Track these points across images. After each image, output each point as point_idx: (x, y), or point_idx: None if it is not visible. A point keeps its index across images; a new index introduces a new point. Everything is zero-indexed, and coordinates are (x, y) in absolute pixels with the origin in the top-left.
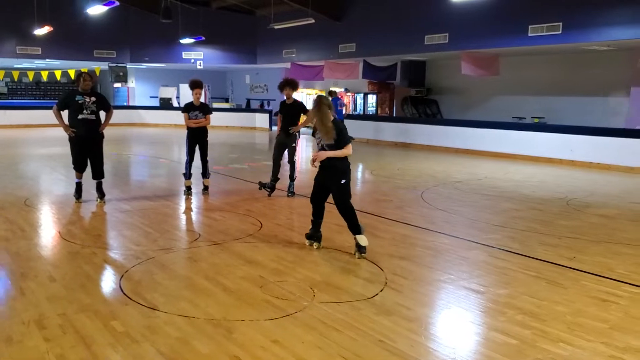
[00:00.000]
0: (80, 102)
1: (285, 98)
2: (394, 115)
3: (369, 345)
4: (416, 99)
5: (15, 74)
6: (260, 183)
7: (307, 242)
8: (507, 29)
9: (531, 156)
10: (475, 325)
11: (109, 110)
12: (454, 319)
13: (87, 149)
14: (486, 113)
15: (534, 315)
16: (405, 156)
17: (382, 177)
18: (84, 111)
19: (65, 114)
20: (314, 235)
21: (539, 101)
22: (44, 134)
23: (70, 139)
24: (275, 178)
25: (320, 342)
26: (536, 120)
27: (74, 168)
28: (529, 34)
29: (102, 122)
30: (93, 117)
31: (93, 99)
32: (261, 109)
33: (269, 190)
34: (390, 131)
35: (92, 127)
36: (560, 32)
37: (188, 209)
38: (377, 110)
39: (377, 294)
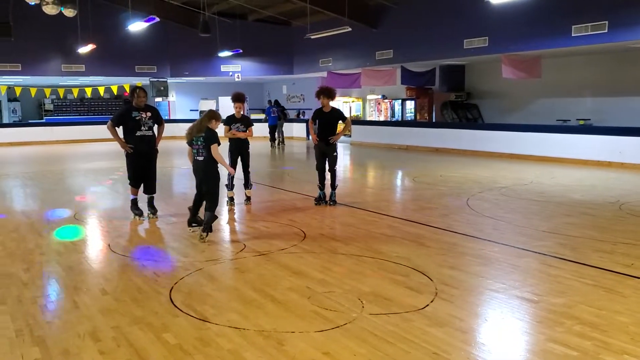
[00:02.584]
0: (137, 118)
1: (321, 106)
2: (434, 120)
3: (422, 358)
4: (456, 103)
5: (61, 91)
6: (315, 199)
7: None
8: (549, 30)
9: (578, 159)
10: (532, 336)
11: (161, 123)
12: (509, 329)
13: (144, 165)
14: (529, 116)
15: (594, 326)
16: (447, 162)
17: (425, 184)
18: (142, 128)
19: (120, 130)
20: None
21: (584, 103)
22: (89, 149)
23: (128, 155)
24: (321, 186)
25: (372, 354)
26: (582, 123)
27: (131, 184)
28: (573, 34)
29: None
30: (150, 133)
31: (149, 114)
32: (298, 119)
33: (322, 202)
34: (431, 137)
35: (149, 143)
36: (606, 30)
37: (232, 220)
38: (416, 116)
39: (428, 305)
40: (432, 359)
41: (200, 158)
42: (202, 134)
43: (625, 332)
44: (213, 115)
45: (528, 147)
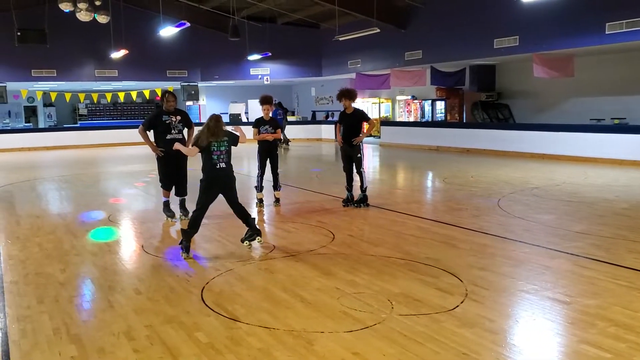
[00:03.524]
0: (167, 122)
1: (344, 108)
2: (464, 121)
3: (452, 359)
4: (487, 103)
5: (95, 96)
6: (343, 201)
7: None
8: (582, 28)
9: (613, 159)
10: (564, 337)
11: (191, 127)
12: (540, 331)
13: (175, 167)
14: (561, 116)
15: (629, 328)
16: (478, 163)
17: (456, 185)
18: (172, 131)
19: (150, 134)
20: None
21: (618, 101)
22: (122, 152)
23: (159, 159)
24: (349, 188)
25: (401, 355)
26: (616, 122)
27: (162, 187)
28: (607, 32)
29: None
30: (180, 136)
31: (178, 117)
32: (326, 121)
33: (350, 203)
34: (461, 137)
35: None
36: None
37: (261, 221)
38: (446, 116)
39: (457, 306)
40: None
41: (224, 165)
42: (225, 138)
43: None
44: (219, 117)
45: (561, 147)
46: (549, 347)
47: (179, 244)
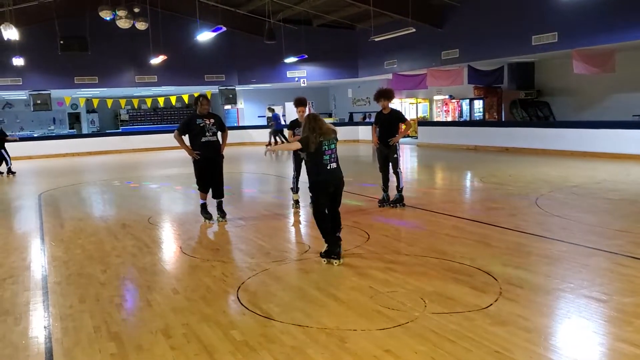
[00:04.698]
0: (201, 125)
1: (381, 109)
2: (503, 119)
3: (484, 357)
4: (526, 101)
5: (135, 102)
6: (379, 201)
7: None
8: (622, 22)
9: None
10: (599, 335)
11: (224, 131)
12: (575, 329)
13: (211, 170)
14: (603, 113)
15: None
16: (517, 162)
17: (493, 184)
18: (207, 134)
19: (186, 138)
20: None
21: None
22: (162, 156)
23: (195, 162)
24: (385, 188)
25: (433, 352)
26: None
27: (199, 189)
28: None
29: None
30: (214, 138)
31: (212, 120)
32: (363, 122)
33: (385, 203)
34: (500, 136)
35: (215, 149)
36: None
37: (297, 222)
38: (484, 115)
39: (491, 304)
40: (494, 358)
41: (335, 165)
42: (334, 135)
43: None
44: (316, 115)
45: (602, 144)
46: (584, 345)
47: (323, 254)
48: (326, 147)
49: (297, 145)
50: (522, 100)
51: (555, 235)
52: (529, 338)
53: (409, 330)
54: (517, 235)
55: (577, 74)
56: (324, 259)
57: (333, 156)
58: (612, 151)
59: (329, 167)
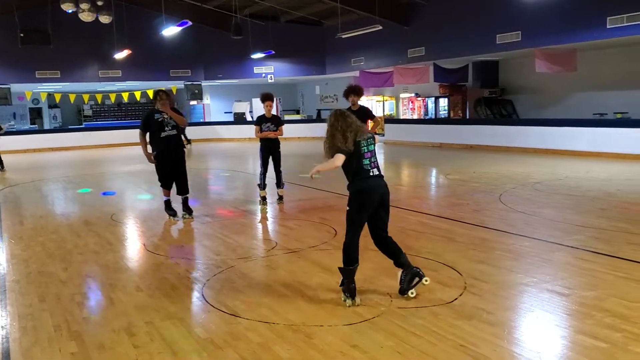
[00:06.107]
0: (159, 120)
1: (350, 105)
2: (468, 117)
3: (449, 350)
4: (490, 99)
5: (99, 97)
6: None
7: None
8: (583, 22)
9: (616, 153)
10: (561, 328)
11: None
12: (538, 322)
13: (172, 165)
14: (565, 111)
15: (625, 318)
16: (481, 159)
17: (458, 181)
18: (166, 128)
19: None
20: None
21: (621, 96)
22: (126, 152)
23: (156, 157)
24: None
25: (399, 347)
26: (619, 116)
27: (162, 186)
28: (608, 26)
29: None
30: (174, 132)
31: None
32: None
33: None
34: (464, 134)
35: (175, 143)
36: None
37: (264, 219)
38: (449, 113)
39: (456, 299)
40: (459, 351)
41: (377, 171)
42: (370, 135)
43: None
44: (342, 111)
45: (563, 141)
46: (546, 338)
47: (340, 286)
48: (365, 148)
49: (340, 161)
50: (487, 98)
51: (518, 231)
52: (493, 331)
53: (376, 325)
54: (481, 230)
55: (540, 73)
56: (347, 299)
57: (373, 159)
58: (574, 149)
59: (371, 173)
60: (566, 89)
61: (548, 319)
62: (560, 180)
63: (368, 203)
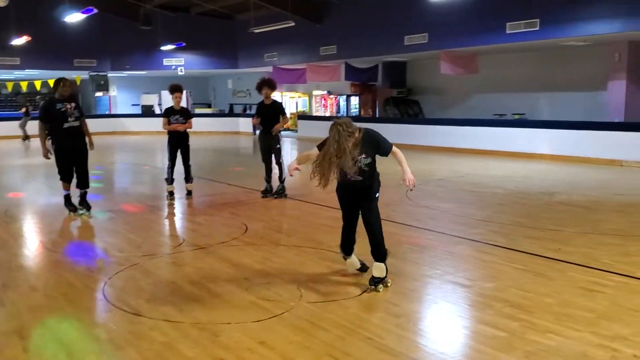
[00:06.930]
0: (62, 110)
1: (263, 98)
2: (377, 116)
3: (357, 343)
4: (398, 99)
5: None
6: (262, 192)
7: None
8: (485, 27)
9: (513, 152)
10: (464, 319)
11: (84, 116)
12: (441, 313)
13: (74, 158)
14: (467, 111)
15: (522, 308)
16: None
17: None
18: (69, 119)
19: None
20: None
21: (519, 98)
22: (25, 144)
23: (56, 149)
24: (268, 179)
25: (308, 341)
26: (517, 117)
27: (62, 179)
28: (507, 31)
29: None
30: (77, 123)
31: (73, 104)
32: (244, 114)
33: (268, 194)
34: None
35: (78, 135)
36: (537, 28)
37: (171, 214)
38: (360, 111)
39: (364, 292)
40: (367, 344)
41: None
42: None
43: (550, 312)
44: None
45: (465, 140)
46: (449, 328)
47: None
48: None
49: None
50: (395, 98)
51: (423, 225)
52: (399, 323)
53: (284, 321)
54: (388, 224)
55: (445, 74)
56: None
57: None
58: (475, 147)
59: (349, 178)
60: (469, 91)
61: (451, 310)
62: (462, 177)
63: (348, 200)
